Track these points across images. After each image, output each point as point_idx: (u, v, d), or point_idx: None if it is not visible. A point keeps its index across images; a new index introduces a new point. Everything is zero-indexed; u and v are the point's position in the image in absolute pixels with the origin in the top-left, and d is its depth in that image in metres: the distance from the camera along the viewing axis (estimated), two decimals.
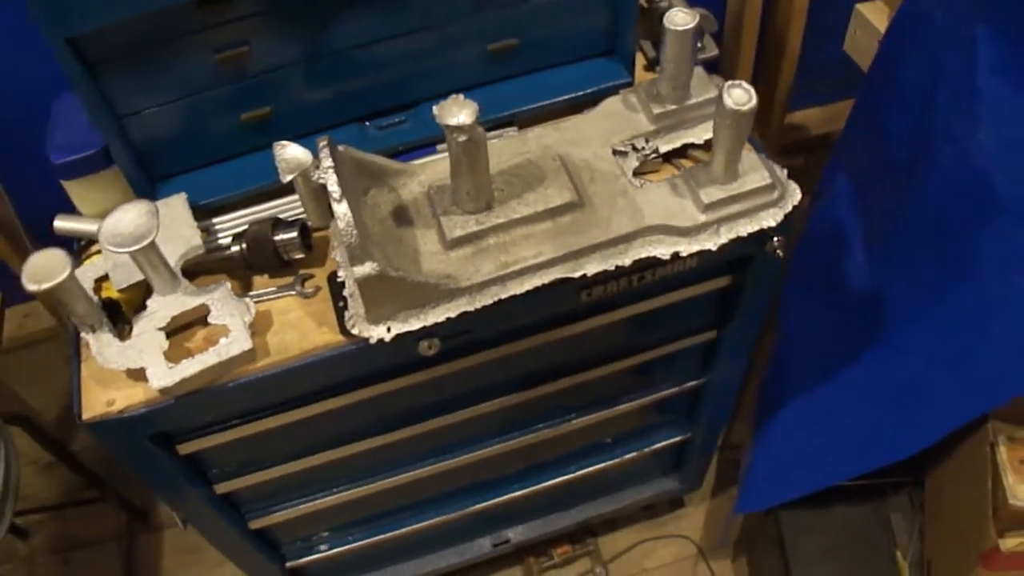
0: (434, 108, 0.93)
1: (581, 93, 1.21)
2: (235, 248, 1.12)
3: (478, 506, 1.67)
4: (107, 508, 2.12)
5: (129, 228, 0.99)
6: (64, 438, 2.04)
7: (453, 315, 1.02)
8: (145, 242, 0.98)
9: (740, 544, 2.00)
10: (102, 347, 1.05)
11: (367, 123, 1.19)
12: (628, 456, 1.69)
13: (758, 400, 1.86)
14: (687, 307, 1.28)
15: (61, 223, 1.19)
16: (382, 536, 1.65)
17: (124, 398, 1.06)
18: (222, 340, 1.03)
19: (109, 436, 1.10)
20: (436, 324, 1.02)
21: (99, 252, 1.16)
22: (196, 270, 1.13)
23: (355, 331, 1.03)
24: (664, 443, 1.69)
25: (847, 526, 1.66)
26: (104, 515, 2.14)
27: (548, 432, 1.49)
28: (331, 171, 0.95)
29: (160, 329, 1.05)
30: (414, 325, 1.02)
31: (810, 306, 1.74)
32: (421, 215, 1.07)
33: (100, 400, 1.07)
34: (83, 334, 1.07)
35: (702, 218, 1.06)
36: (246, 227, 1.13)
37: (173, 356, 1.03)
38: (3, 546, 1.94)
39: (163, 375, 1.01)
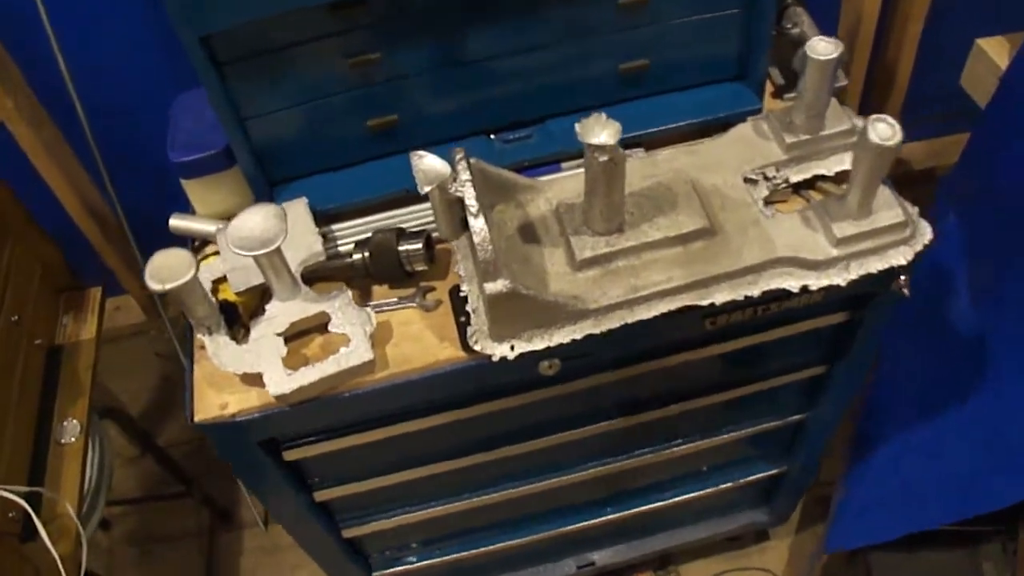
0: (576, 125, 0.91)
1: (710, 117, 1.19)
2: (356, 256, 1.10)
3: (567, 528, 1.65)
4: (189, 504, 2.14)
5: (256, 231, 0.98)
6: (151, 432, 2.05)
7: (578, 337, 1.00)
8: (272, 247, 0.97)
9: None
10: (219, 350, 1.04)
11: (492, 136, 1.18)
12: (723, 486, 1.66)
13: (853, 438, 1.82)
14: (801, 341, 1.25)
15: (177, 222, 1.18)
16: (470, 552, 1.64)
17: (237, 402, 1.06)
18: (342, 349, 1.02)
19: (219, 439, 1.09)
20: (559, 345, 1.00)
21: (215, 253, 1.15)
22: (313, 276, 1.11)
23: (478, 348, 1.01)
24: (759, 475, 1.67)
25: (939, 572, 1.62)
26: (186, 511, 2.16)
27: (650, 457, 1.47)
28: (469, 184, 0.94)
29: (279, 335, 1.04)
30: (538, 345, 1.00)
31: (911, 347, 1.70)
32: (549, 233, 1.05)
33: (213, 403, 1.06)
34: (199, 335, 1.07)
35: (833, 252, 1.03)
36: (367, 235, 1.12)
37: (290, 363, 1.03)
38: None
39: (281, 382, 1.00)
